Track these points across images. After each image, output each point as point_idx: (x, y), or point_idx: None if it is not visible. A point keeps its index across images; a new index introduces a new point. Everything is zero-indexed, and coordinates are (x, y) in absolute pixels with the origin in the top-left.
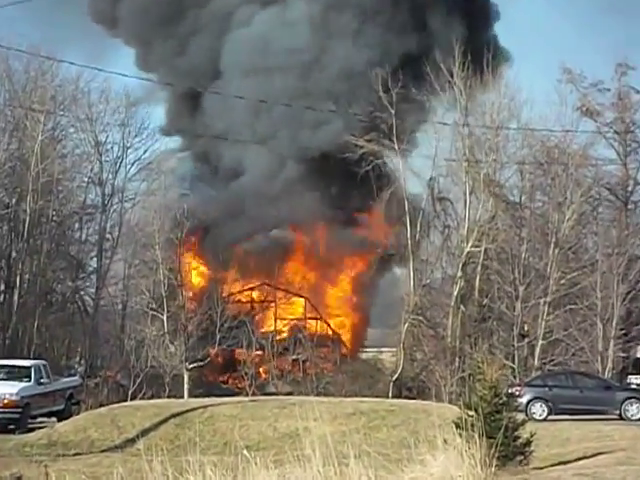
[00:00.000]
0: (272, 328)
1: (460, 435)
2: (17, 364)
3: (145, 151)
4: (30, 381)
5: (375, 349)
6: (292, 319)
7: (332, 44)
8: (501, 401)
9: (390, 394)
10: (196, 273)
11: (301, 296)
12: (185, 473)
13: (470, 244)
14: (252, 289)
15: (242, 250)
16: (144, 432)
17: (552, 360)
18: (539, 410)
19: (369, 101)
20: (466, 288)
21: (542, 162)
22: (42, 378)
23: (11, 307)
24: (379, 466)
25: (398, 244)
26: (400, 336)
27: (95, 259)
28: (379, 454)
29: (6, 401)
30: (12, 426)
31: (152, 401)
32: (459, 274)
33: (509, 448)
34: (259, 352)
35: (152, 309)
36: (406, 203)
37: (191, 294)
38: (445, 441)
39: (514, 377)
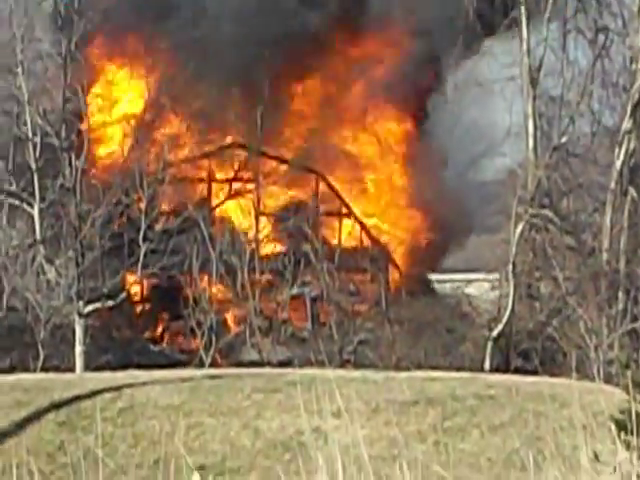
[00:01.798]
0: (251, 234)
1: (628, 446)
2: None
3: None
4: None
5: (459, 275)
6: (290, 215)
7: None
8: None
9: (488, 363)
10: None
11: (311, 170)
12: None
13: None
14: (209, 156)
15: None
16: None
17: None
18: None
19: None
20: None
21: None
22: None
23: None
24: None
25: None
26: (509, 250)
27: None
28: None
29: None
30: None
31: (13, 377)
32: (626, 125)
33: None
34: (224, 281)
35: (10, 194)
36: None
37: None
38: (596, 457)
39: None
